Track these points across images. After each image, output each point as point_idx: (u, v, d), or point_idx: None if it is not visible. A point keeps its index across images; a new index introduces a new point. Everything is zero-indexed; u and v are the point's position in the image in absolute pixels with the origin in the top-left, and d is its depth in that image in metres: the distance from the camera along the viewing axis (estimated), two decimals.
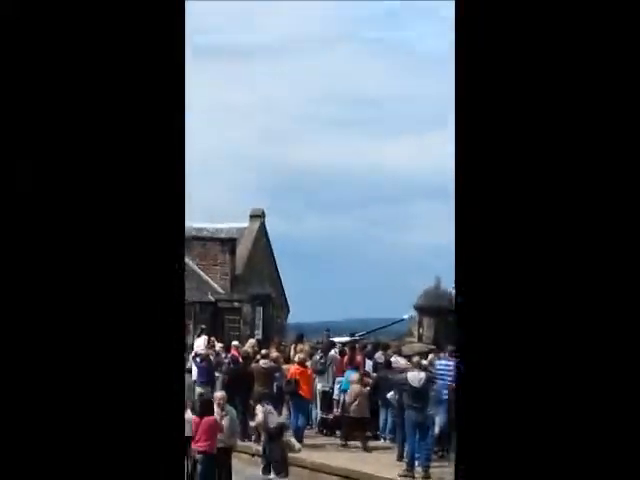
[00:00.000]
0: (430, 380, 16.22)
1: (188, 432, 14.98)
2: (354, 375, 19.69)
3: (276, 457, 17.66)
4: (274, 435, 17.65)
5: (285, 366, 20.21)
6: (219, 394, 16.10)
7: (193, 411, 15.42)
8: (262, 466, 17.49)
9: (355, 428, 19.36)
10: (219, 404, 15.47)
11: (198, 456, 14.49)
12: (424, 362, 18.08)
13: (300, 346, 22.09)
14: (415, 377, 16.10)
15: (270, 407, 17.83)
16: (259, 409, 17.77)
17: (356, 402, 19.18)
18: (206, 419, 14.57)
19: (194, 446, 14.56)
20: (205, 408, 14.86)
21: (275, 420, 17.64)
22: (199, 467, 14.61)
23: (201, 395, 17.37)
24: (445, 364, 18.22)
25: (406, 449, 16.15)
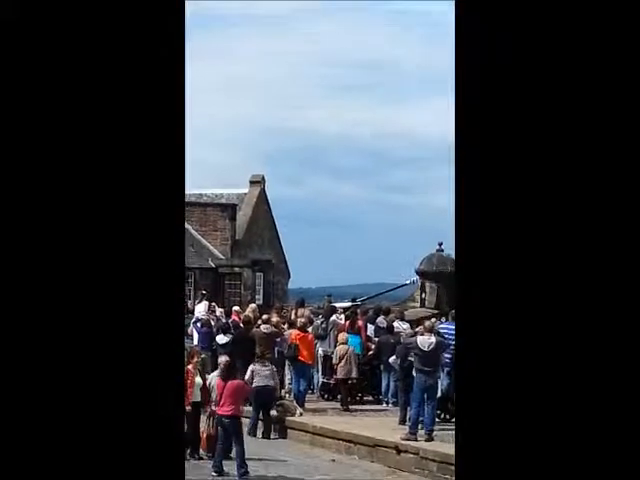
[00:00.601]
0: (440, 344, 16.19)
1: (198, 397, 15.06)
2: (341, 336, 19.77)
3: (259, 417, 17.69)
4: (260, 395, 17.68)
5: (288, 331, 20.17)
6: (223, 359, 16.05)
7: (201, 375, 15.42)
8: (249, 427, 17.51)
9: (345, 388, 19.46)
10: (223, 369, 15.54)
11: (225, 420, 14.40)
12: (439, 326, 18.08)
13: (300, 311, 22.02)
14: (425, 341, 16.12)
15: (261, 368, 17.75)
16: (250, 367, 17.74)
17: (342, 363, 19.28)
18: (230, 383, 14.51)
19: (218, 410, 14.51)
20: (229, 372, 14.78)
21: (263, 381, 17.64)
22: (222, 430, 14.58)
23: (203, 360, 17.34)
24: (447, 328, 18.16)
25: (411, 412, 16.11)
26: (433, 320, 21.63)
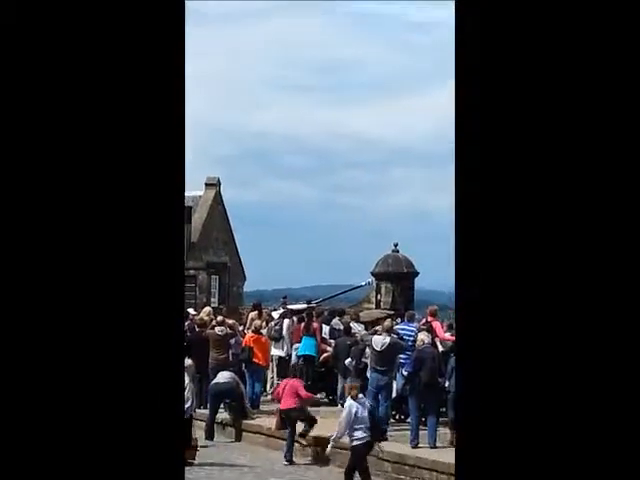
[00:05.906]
0: (394, 345, 16.21)
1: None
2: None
3: (215, 419, 17.80)
4: (217, 396, 17.79)
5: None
6: (188, 362, 15.94)
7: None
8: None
9: None
10: (189, 371, 15.54)
11: (294, 413, 16.00)
12: (393, 326, 18.11)
13: (252, 314, 21.94)
14: (379, 341, 16.20)
15: (226, 373, 17.80)
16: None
17: None
18: (292, 380, 16.45)
19: (282, 405, 16.05)
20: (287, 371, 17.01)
21: (217, 386, 17.74)
22: (289, 423, 16.04)
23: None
24: (403, 329, 18.17)
25: None
26: (389, 321, 21.69)
